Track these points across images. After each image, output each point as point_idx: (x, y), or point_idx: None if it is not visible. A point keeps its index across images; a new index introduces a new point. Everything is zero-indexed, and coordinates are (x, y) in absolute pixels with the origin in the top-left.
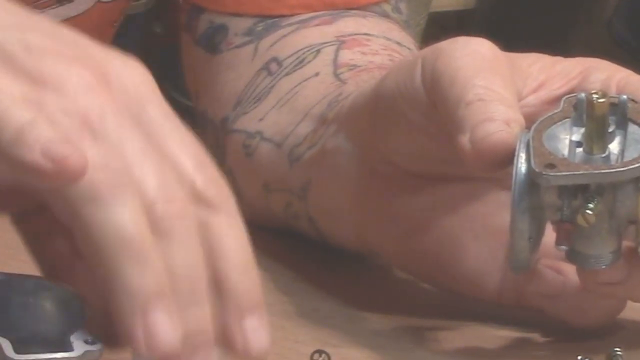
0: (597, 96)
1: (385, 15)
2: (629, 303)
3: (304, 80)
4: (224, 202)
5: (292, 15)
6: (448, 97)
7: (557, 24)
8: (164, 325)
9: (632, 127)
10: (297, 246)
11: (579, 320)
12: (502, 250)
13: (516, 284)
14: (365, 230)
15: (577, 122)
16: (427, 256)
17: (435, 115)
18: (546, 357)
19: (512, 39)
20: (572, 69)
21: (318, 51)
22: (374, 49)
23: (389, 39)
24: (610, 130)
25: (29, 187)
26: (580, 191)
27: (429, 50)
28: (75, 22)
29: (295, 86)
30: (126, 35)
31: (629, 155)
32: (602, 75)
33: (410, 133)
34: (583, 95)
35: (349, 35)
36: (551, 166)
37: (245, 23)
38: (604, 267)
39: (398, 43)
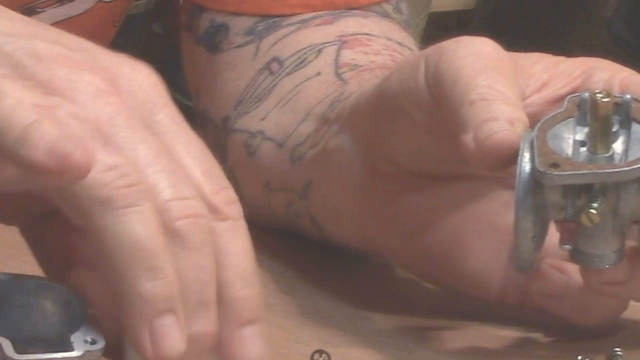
0: (601, 96)
1: (386, 16)
2: (630, 303)
3: (306, 80)
4: (231, 209)
5: (293, 15)
6: (451, 96)
7: (557, 24)
8: (171, 333)
9: (635, 127)
10: (298, 246)
11: (581, 320)
12: (505, 249)
13: (519, 283)
14: (367, 229)
15: (581, 122)
16: (430, 255)
17: (439, 114)
18: (546, 357)
19: (512, 39)
20: (575, 69)
21: (319, 51)
22: (376, 48)
23: (390, 39)
24: (614, 129)
25: (38, 191)
26: (584, 190)
27: (432, 49)
28: (77, 21)
29: (297, 86)
30: (126, 35)
31: (633, 155)
32: (605, 75)
33: (414, 132)
34: (587, 94)
35: (350, 35)
36: (555, 165)
37: (246, 22)
38: (607, 266)
39: (399, 43)
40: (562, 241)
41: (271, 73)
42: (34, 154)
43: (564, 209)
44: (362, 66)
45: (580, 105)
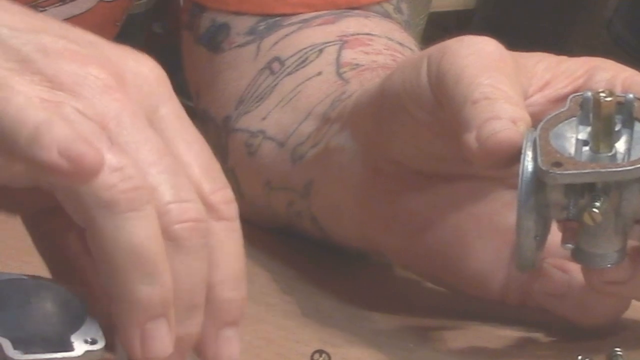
0: (603, 95)
1: (386, 16)
2: (632, 302)
3: (307, 80)
4: (228, 208)
5: (294, 15)
6: (454, 95)
7: (557, 24)
8: (161, 337)
9: (638, 126)
10: (298, 246)
11: (583, 319)
12: (507, 249)
13: (521, 282)
14: (369, 229)
15: (584, 121)
16: (431, 255)
17: (441, 113)
18: (546, 357)
19: (512, 39)
20: (578, 68)
21: (320, 50)
22: (377, 48)
23: (391, 39)
24: (616, 129)
25: (45, 187)
26: (587, 190)
27: (434, 48)
28: (78, 20)
29: (298, 85)
30: (126, 35)
31: (635, 154)
32: (608, 75)
33: (416, 131)
34: (590, 94)
35: (352, 34)
36: (558, 164)
37: (247, 22)
38: (609, 266)
39: (400, 43)
40: (564, 240)
41: (272, 73)
42: (47, 154)
43: (567, 208)
44: (363, 66)
45: (583, 104)
